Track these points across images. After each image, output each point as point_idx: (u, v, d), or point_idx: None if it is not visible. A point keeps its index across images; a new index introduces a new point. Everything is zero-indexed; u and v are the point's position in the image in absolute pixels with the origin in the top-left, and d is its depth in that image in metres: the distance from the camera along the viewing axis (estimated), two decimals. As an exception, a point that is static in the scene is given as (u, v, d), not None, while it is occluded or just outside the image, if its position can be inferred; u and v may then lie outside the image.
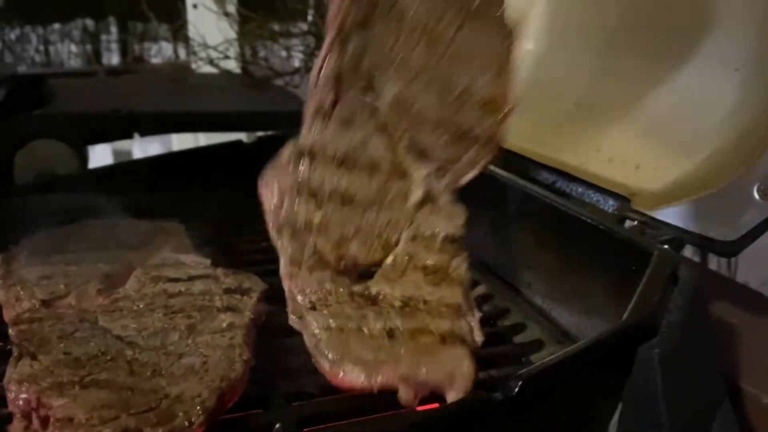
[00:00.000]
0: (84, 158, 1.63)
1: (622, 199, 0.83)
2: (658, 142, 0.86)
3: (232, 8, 2.29)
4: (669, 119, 0.86)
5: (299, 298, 0.65)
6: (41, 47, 4.32)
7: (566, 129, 1.03)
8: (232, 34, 2.43)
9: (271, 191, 0.66)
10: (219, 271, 0.76)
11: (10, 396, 0.52)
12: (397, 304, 0.65)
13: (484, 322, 0.77)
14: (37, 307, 0.67)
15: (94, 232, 0.85)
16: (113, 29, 4.90)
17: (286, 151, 0.66)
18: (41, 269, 0.73)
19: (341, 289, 0.66)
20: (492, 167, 0.94)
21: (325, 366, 0.59)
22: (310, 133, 0.66)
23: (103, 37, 4.91)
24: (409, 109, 0.67)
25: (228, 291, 0.71)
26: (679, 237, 0.72)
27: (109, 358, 0.57)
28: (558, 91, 1.08)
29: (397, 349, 0.60)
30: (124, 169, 1.18)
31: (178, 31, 2.18)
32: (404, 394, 0.57)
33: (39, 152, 1.56)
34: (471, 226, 0.95)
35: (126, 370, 0.56)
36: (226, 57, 2.21)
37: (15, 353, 0.56)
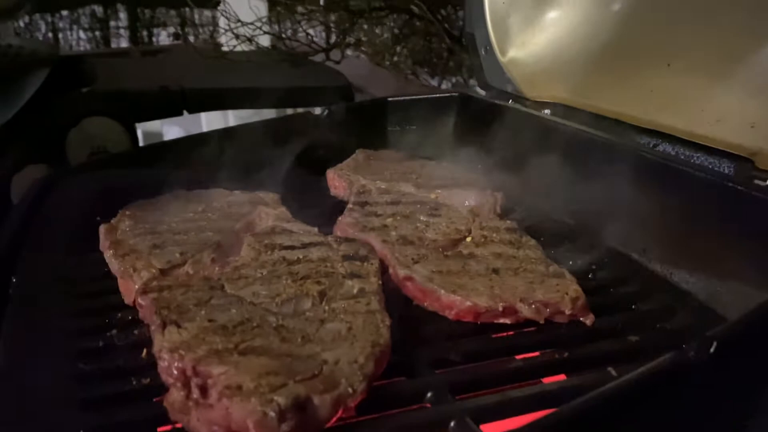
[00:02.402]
0: (135, 136, 1.61)
1: (741, 160, 0.79)
2: (769, 102, 0.82)
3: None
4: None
5: (401, 258, 0.69)
6: (50, 34, 4.29)
7: (659, 91, 0.98)
8: (264, 12, 2.40)
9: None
10: (330, 238, 0.73)
11: (164, 365, 0.50)
12: (491, 257, 0.71)
13: (600, 290, 0.75)
14: (156, 275, 0.64)
15: (190, 203, 0.82)
16: (122, 15, 4.86)
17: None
18: (150, 239, 0.71)
19: (435, 252, 0.72)
20: (592, 130, 0.91)
21: (446, 298, 0.63)
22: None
23: (112, 23, 4.86)
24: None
25: (346, 258, 0.68)
26: (821, 196, 0.68)
27: (255, 324, 0.54)
28: (647, 52, 1.04)
29: (508, 280, 0.66)
30: (193, 141, 1.14)
31: (216, 7, 2.12)
32: (530, 313, 0.62)
33: (92, 130, 1.54)
34: (572, 192, 0.92)
35: (276, 336, 0.53)
36: (265, 33, 2.17)
37: (157, 322, 0.54)
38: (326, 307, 0.59)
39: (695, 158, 0.85)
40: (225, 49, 2.22)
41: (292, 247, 0.70)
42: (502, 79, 1.19)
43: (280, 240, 0.71)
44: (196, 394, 0.48)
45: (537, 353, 0.61)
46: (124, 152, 1.38)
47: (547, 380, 0.57)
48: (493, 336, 0.63)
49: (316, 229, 0.76)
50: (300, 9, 2.34)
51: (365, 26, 2.45)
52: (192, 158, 1.05)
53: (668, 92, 0.97)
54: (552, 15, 1.17)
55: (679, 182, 0.76)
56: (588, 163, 0.90)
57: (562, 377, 0.59)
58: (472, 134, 1.15)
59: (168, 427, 0.51)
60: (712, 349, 0.45)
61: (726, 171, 0.81)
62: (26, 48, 1.68)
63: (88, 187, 0.98)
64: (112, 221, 0.77)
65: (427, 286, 0.65)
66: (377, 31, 2.47)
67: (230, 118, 3.00)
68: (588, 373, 0.57)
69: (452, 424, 0.51)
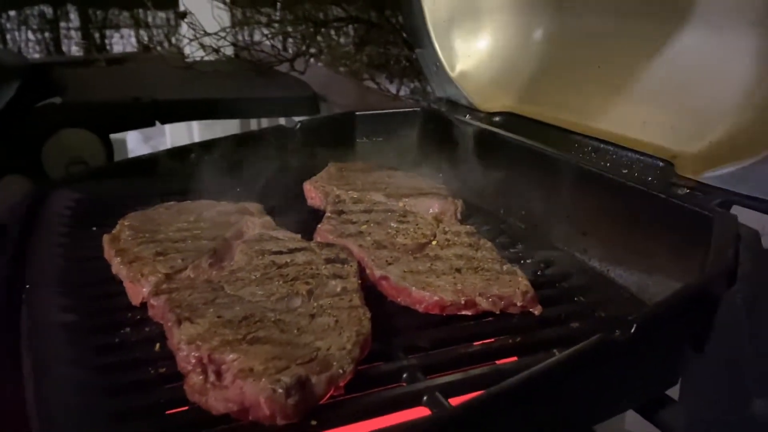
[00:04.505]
0: (110, 147, 1.66)
1: (665, 163, 0.90)
2: (685, 106, 0.91)
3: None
4: (692, 82, 0.91)
5: (376, 260, 0.80)
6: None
7: (594, 93, 1.07)
8: (227, 22, 2.46)
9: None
10: (312, 244, 0.83)
11: (182, 354, 0.59)
12: (453, 258, 0.82)
13: (547, 285, 0.87)
14: (162, 280, 0.73)
15: (182, 213, 0.90)
16: (72, 16, 4.76)
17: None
18: (152, 247, 0.79)
19: (405, 255, 0.83)
20: (540, 145, 1.03)
21: (416, 294, 0.74)
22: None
23: (63, 24, 4.76)
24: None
25: (329, 261, 0.78)
26: (729, 199, 0.80)
27: (257, 319, 0.64)
28: (577, 60, 1.14)
29: (469, 278, 0.77)
30: (173, 154, 1.22)
31: (182, 18, 2.18)
32: (487, 305, 0.73)
33: (68, 141, 1.58)
34: (522, 199, 1.04)
35: (276, 328, 0.63)
36: (231, 44, 2.23)
37: (173, 318, 0.63)
38: (315, 304, 0.69)
39: (626, 158, 0.97)
40: (189, 60, 2.28)
41: (280, 252, 0.79)
42: (456, 93, 1.29)
43: (269, 246, 0.81)
44: (212, 377, 0.57)
45: (494, 339, 0.72)
46: (107, 165, 1.44)
47: (502, 361, 0.68)
48: (457, 325, 0.73)
49: (299, 236, 0.86)
50: (262, 19, 2.41)
51: (323, 36, 2.53)
52: (172, 171, 1.14)
53: (600, 95, 1.07)
54: (489, 29, 1.28)
55: (612, 191, 0.87)
56: (536, 173, 1.02)
57: (514, 359, 0.70)
58: (433, 146, 1.26)
59: (177, 410, 0.60)
60: (632, 330, 0.56)
61: (651, 178, 0.92)
62: (-7, 60, 1.72)
63: (73, 198, 1.06)
64: (113, 231, 0.85)
65: (400, 284, 0.75)
66: (335, 37, 2.56)
67: (194, 128, 3.05)
68: (536, 355, 0.68)
69: (425, 398, 0.61)
